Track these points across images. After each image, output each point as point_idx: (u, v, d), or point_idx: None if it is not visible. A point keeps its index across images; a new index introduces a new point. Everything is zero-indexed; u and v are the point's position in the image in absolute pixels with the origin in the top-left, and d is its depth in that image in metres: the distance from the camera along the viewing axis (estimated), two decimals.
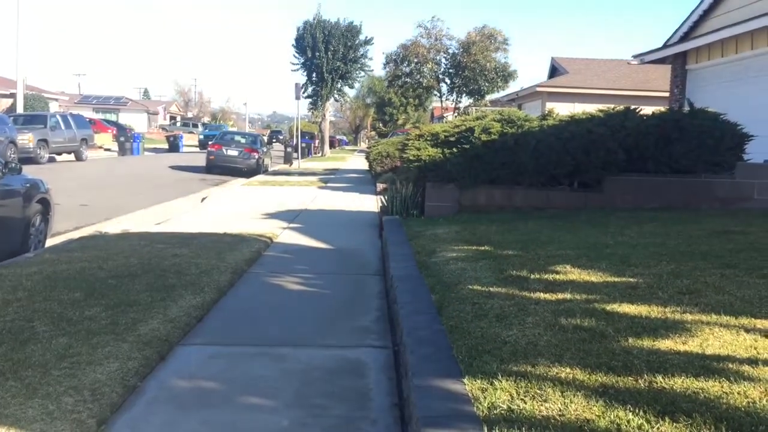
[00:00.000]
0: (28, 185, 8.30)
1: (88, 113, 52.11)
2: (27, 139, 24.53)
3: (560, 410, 2.68)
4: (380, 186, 16.04)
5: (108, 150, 38.17)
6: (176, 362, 4.23)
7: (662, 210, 9.18)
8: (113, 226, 10.28)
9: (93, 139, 31.99)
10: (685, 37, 16.52)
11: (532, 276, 5.16)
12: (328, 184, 20.09)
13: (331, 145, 61.72)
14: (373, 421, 3.43)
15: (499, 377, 3.04)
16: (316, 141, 52.12)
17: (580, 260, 5.68)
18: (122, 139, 36.55)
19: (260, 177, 23.44)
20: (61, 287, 5.61)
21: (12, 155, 21.43)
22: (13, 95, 38.44)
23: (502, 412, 2.70)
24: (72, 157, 28.75)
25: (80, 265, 6.57)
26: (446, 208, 9.90)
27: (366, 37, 45.79)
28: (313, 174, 25.19)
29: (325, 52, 43.79)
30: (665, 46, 17.25)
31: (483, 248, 6.59)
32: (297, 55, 45.58)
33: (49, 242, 8.71)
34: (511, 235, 7.33)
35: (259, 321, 5.29)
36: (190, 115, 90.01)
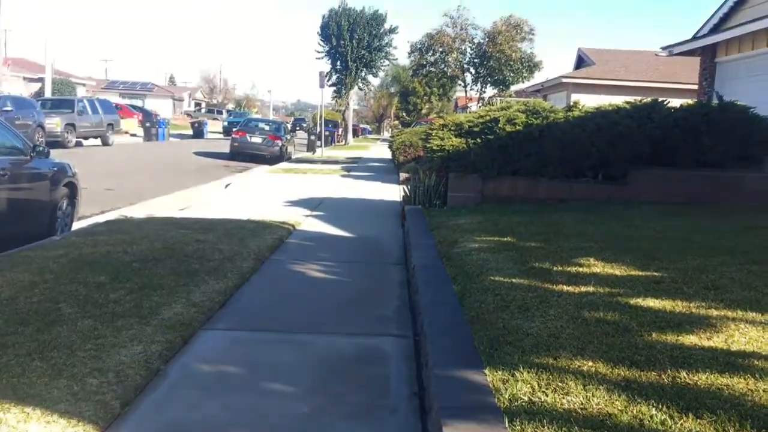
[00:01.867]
0: (55, 169, 8.40)
1: (114, 98, 52.53)
2: (54, 123, 24.85)
3: (582, 404, 2.67)
4: (403, 175, 16.03)
5: (134, 135, 38.51)
6: (199, 347, 4.27)
7: (688, 204, 9.07)
8: (138, 211, 10.37)
9: (119, 124, 32.34)
10: (716, 29, 16.24)
11: (555, 268, 5.13)
12: (351, 173, 20.11)
13: (355, 134, 61.80)
14: (393, 410, 3.43)
15: (521, 369, 3.03)
16: (340, 129, 52.16)
17: (603, 253, 5.63)
18: (148, 124, 36.85)
19: (283, 164, 23.52)
20: (86, 270, 5.68)
21: (40, 139, 21.72)
22: (41, 80, 38.96)
23: (524, 404, 2.69)
24: (98, 141, 29.06)
25: (105, 248, 6.65)
26: (469, 198, 9.86)
27: (391, 25, 45.83)
28: (336, 162, 25.22)
29: (350, 40, 43.81)
30: (695, 38, 16.98)
31: (505, 239, 6.56)
32: (322, 42, 45.66)
33: (76, 225, 8.81)
34: (534, 227, 7.28)
35: (281, 307, 5.32)
36: (214, 101, 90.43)
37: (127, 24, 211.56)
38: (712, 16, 16.51)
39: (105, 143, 29.11)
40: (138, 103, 63.58)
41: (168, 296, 5.05)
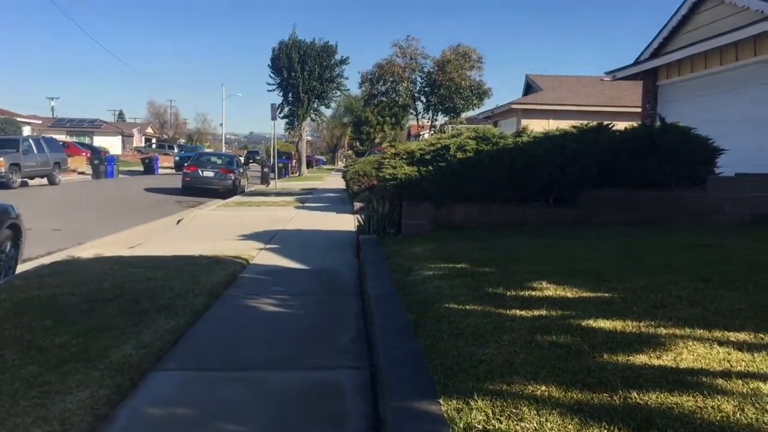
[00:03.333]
0: None
1: (61, 136, 51.68)
2: None
3: (536, 429, 2.66)
4: (357, 205, 16.04)
5: (82, 173, 37.79)
6: (149, 389, 4.15)
7: (636, 224, 9.26)
8: (86, 251, 10.13)
9: (66, 163, 31.70)
10: (656, 54, 16.77)
11: (509, 293, 5.16)
12: (306, 204, 20.04)
13: (309, 165, 61.72)
14: None
15: (475, 397, 3.02)
16: (293, 161, 52.08)
17: (555, 276, 5.69)
18: (96, 162, 36.19)
19: (237, 198, 23.34)
20: (31, 314, 5.51)
21: None
22: None
23: None
24: (45, 181, 28.43)
25: (51, 291, 6.46)
26: (423, 226, 9.89)
27: (342, 56, 46.05)
28: (290, 194, 25.12)
29: (301, 72, 43.91)
30: (636, 62, 17.49)
31: (459, 266, 6.59)
32: (273, 75, 45.67)
33: (20, 268, 8.55)
34: (488, 252, 7.33)
35: (235, 344, 5.23)
36: (165, 136, 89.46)
37: (75, 61, 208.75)
38: (653, 40, 17.03)
39: (52, 182, 28.50)
40: (86, 140, 62.65)
41: (117, 338, 4.92)
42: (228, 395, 4.08)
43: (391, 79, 38.90)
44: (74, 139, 54.96)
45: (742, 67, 13.42)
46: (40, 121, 62.13)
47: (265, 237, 11.71)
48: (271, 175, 32.67)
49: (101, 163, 36.00)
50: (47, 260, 9.18)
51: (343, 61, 46.06)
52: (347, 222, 14.45)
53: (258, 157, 64.58)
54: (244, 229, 12.97)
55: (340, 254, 9.97)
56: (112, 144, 66.80)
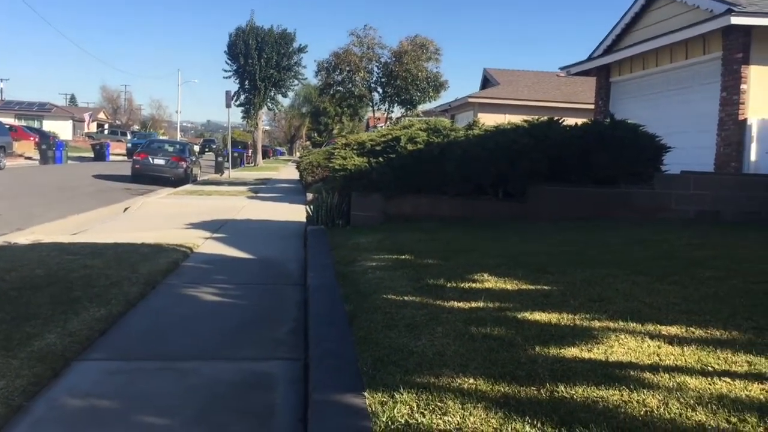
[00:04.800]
0: None
1: (9, 120, 50.18)
2: None
3: (458, 424, 2.60)
4: (310, 196, 15.87)
5: (29, 158, 36.71)
6: (70, 379, 3.98)
7: (584, 220, 9.32)
8: (24, 237, 9.79)
9: (12, 147, 30.78)
10: (609, 50, 16.96)
11: (449, 284, 5.11)
12: (258, 194, 19.78)
13: (265, 155, 61.11)
14: None
15: (401, 390, 2.95)
16: (249, 150, 51.47)
17: (498, 269, 5.67)
18: (44, 146, 35.17)
19: (188, 186, 22.93)
20: None
21: None
22: None
23: (399, 426, 2.60)
24: None
25: None
26: (372, 217, 9.81)
27: (300, 44, 45.50)
28: (244, 184, 24.80)
29: (258, 59, 43.30)
30: (590, 58, 17.68)
31: (403, 257, 6.52)
32: (229, 62, 44.94)
33: None
34: (433, 244, 7.29)
35: (168, 334, 5.07)
36: (118, 122, 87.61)
37: (25, 42, 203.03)
38: (606, 37, 17.21)
39: None
40: (35, 124, 60.94)
41: (42, 326, 4.72)
42: (154, 387, 3.93)
43: (347, 68, 38.66)
44: (23, 123, 53.46)
45: (692, 65, 13.65)
46: None
47: (213, 226, 11.48)
48: (226, 164, 32.21)
49: (49, 148, 35.00)
50: None
51: (301, 50, 45.56)
52: (299, 213, 14.26)
53: (214, 146, 63.73)
54: (193, 218, 12.71)
55: (288, 244, 9.83)
56: (62, 129, 65.12)
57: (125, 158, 42.39)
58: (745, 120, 12.04)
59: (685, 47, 13.60)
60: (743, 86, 12.02)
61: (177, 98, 74.58)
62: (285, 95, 49.18)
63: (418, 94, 38.71)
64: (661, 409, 2.67)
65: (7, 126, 33.89)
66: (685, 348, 3.44)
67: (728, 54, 12.29)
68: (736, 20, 11.67)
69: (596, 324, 3.89)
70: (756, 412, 2.64)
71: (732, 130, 12.18)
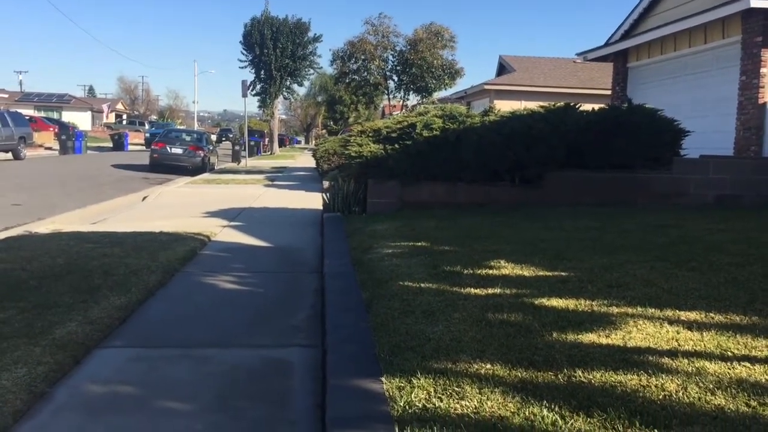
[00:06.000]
0: None
1: (29, 111, 50.68)
2: None
3: (476, 408, 2.61)
4: (326, 184, 15.88)
5: (49, 149, 37.08)
6: (92, 366, 4.03)
7: (601, 205, 9.26)
8: (45, 226, 9.90)
9: (32, 138, 31.04)
10: (626, 35, 16.79)
11: (465, 271, 5.11)
12: (275, 182, 19.84)
13: (281, 144, 61.23)
14: (292, 423, 3.31)
15: (419, 375, 2.96)
16: (266, 139, 51.59)
17: (515, 255, 5.65)
18: (64, 137, 35.49)
19: (205, 175, 23.05)
20: None
21: None
22: None
23: (417, 411, 2.61)
24: (10, 155, 27.83)
25: (1, 266, 6.28)
26: (388, 204, 9.81)
27: (315, 34, 45.51)
28: (260, 172, 24.87)
29: (273, 49, 43.32)
30: (607, 44, 17.51)
31: (420, 244, 6.52)
32: (245, 52, 45.01)
33: None
34: (450, 231, 7.28)
35: (187, 322, 5.11)
36: (136, 113, 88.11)
37: (45, 34, 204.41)
38: (624, 21, 17.04)
39: (17, 157, 27.91)
40: (55, 115, 61.44)
41: (63, 314, 4.78)
42: (173, 373, 3.97)
43: (362, 57, 38.52)
44: (42, 114, 53.96)
45: (711, 49, 13.47)
46: (6, 95, 60.75)
47: (231, 214, 11.54)
48: (243, 153, 32.31)
49: (69, 139, 35.32)
50: (2, 236, 8.94)
51: (316, 39, 45.56)
52: (315, 200, 14.30)
53: (231, 135, 63.94)
54: (210, 206, 12.78)
55: (305, 232, 9.85)
56: (81, 119, 65.66)
57: (143, 148, 42.67)
58: (765, 104, 11.89)
59: (704, 31, 13.43)
60: (763, 70, 11.86)
61: (194, 88, 74.66)
62: (300, 84, 49.24)
63: (434, 81, 38.51)
64: (680, 394, 2.66)
65: (27, 117, 34.18)
66: (704, 333, 3.42)
67: (748, 37, 12.12)
68: (755, 3, 11.50)
69: (614, 310, 3.87)
70: None
71: (751, 114, 12.04)
